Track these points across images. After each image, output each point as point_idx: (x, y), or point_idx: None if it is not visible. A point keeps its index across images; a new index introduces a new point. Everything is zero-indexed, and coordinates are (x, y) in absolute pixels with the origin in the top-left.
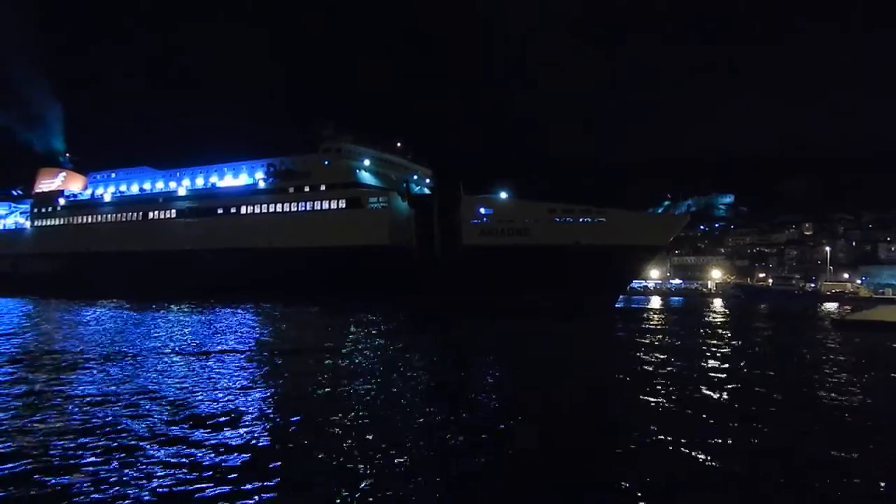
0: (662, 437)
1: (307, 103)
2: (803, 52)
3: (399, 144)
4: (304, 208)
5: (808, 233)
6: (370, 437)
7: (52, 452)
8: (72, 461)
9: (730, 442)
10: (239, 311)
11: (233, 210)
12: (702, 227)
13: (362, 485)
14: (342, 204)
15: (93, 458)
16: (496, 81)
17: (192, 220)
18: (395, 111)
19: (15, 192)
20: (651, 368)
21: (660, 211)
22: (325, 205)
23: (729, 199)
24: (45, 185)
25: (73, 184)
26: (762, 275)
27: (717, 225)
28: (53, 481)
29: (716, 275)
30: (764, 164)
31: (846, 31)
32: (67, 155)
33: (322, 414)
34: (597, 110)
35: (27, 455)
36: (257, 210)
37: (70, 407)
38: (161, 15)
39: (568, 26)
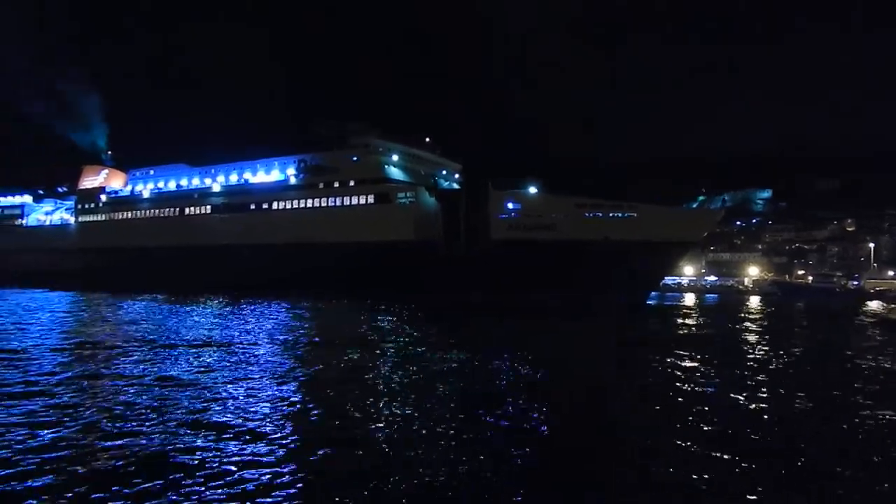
0: (667, 438)
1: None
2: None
3: (427, 140)
4: (333, 204)
5: (850, 229)
6: (375, 434)
7: (109, 425)
8: (127, 434)
9: (738, 446)
10: (272, 305)
11: (265, 206)
12: (738, 222)
13: (367, 478)
14: (370, 199)
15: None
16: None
17: (226, 215)
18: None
19: (60, 189)
20: (675, 369)
21: (694, 206)
22: (354, 200)
23: (767, 193)
24: (89, 181)
25: (114, 181)
26: (801, 272)
27: (754, 220)
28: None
29: (752, 272)
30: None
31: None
32: (109, 153)
33: (336, 404)
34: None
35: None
36: (288, 206)
37: (129, 388)
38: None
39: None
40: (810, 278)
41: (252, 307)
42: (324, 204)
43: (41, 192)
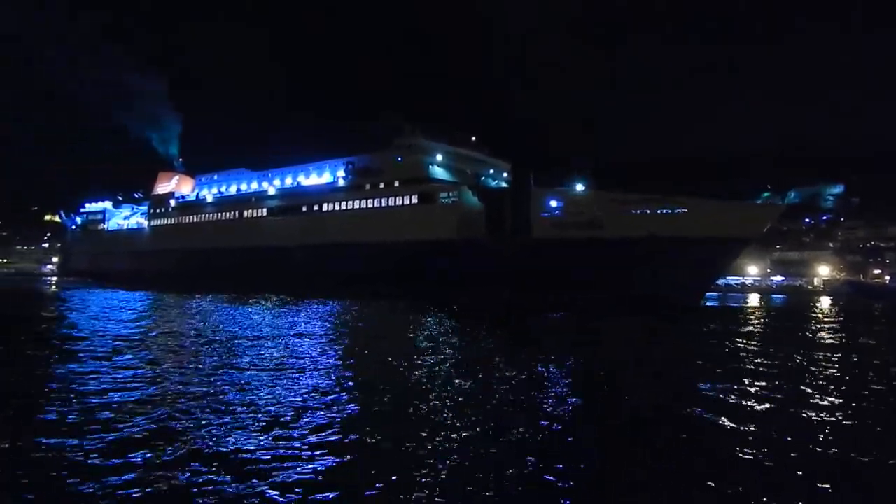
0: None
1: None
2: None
3: (473, 138)
4: (378, 204)
5: None
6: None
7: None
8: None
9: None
10: (322, 305)
11: (315, 208)
12: (807, 219)
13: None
14: (414, 199)
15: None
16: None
17: (280, 217)
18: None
19: (136, 195)
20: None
21: (758, 202)
22: (398, 200)
23: (839, 188)
24: (162, 187)
25: (184, 186)
26: (877, 271)
27: (824, 217)
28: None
29: (823, 271)
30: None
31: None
32: (181, 159)
33: (377, 399)
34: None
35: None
36: (336, 207)
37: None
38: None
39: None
40: (887, 278)
41: (302, 307)
42: (369, 205)
43: (120, 197)
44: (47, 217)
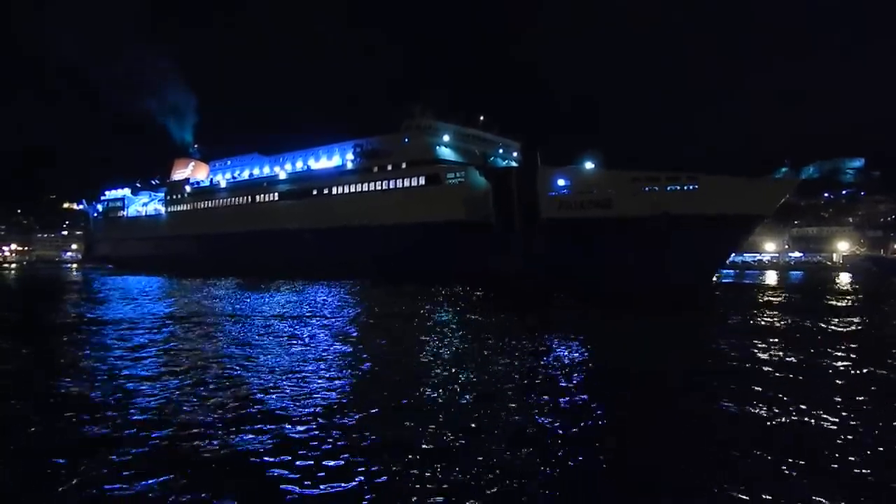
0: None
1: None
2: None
3: (482, 118)
4: (386, 186)
5: None
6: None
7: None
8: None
9: None
10: (331, 288)
11: (325, 191)
12: (826, 194)
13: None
14: (421, 180)
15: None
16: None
17: (291, 201)
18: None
19: (154, 182)
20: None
21: (775, 177)
22: (406, 182)
23: (859, 162)
24: (178, 174)
25: (199, 172)
26: None
27: (844, 192)
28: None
29: (842, 246)
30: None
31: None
32: (196, 146)
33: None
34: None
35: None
36: (345, 190)
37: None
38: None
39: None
40: None
41: (312, 289)
42: (377, 187)
43: (138, 184)
44: (66, 205)
